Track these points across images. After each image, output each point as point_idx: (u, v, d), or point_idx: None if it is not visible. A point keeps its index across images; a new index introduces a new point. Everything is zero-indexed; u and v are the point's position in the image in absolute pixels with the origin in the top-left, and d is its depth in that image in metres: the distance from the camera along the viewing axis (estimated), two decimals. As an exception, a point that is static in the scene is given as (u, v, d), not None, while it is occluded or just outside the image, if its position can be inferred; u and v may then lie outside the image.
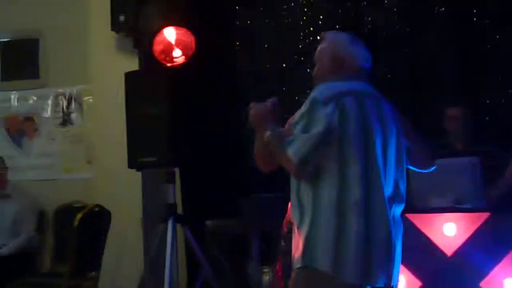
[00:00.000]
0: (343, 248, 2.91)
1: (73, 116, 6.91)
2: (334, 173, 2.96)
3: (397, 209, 3.08)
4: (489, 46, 5.38)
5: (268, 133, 3.06)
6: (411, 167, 3.30)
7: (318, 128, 2.93)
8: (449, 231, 4.22)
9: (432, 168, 3.33)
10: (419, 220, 4.28)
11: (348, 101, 2.99)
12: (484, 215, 4.16)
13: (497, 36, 5.34)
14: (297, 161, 2.94)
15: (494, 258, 4.09)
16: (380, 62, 5.61)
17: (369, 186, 2.96)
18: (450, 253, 4.21)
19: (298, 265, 2.99)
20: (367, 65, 3.20)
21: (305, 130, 2.96)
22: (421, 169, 3.33)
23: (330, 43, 3.22)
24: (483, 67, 5.43)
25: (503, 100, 5.38)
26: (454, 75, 5.51)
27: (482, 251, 4.13)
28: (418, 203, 4.45)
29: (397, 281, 3.06)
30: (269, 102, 3.15)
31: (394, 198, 3.06)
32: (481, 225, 4.14)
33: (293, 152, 2.94)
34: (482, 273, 4.11)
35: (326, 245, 2.92)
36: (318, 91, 3.02)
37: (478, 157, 4.33)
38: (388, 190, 3.02)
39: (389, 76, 5.53)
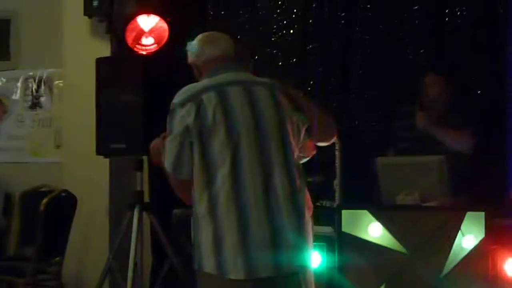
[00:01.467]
0: (220, 246, 2.95)
1: (43, 99, 6.87)
2: (201, 169, 3.00)
3: (293, 188, 3.05)
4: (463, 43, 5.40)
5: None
6: (316, 143, 3.32)
7: (176, 131, 3.03)
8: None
9: (333, 139, 3.36)
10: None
11: (205, 97, 3.03)
12: (449, 214, 4.20)
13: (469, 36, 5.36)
14: (170, 170, 3.06)
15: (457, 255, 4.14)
16: (355, 57, 5.63)
17: (238, 174, 2.97)
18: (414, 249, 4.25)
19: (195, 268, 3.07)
20: (230, 52, 3.24)
21: (169, 136, 3.07)
22: (322, 140, 3.34)
23: (189, 58, 3.33)
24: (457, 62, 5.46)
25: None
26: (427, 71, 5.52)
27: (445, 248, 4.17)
28: (385, 200, 4.50)
29: (297, 265, 3.03)
30: (162, 136, 3.22)
31: (285, 178, 3.03)
32: (446, 224, 4.18)
33: (166, 163, 3.07)
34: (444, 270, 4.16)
35: (205, 247, 2.98)
36: (176, 97, 3.11)
37: (445, 155, 4.36)
38: (272, 171, 3.01)
39: (360, 72, 5.55)
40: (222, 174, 2.98)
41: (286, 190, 3.01)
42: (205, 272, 3.00)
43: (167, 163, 3.06)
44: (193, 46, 3.30)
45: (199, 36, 3.33)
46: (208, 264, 2.99)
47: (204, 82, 3.16)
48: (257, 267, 2.95)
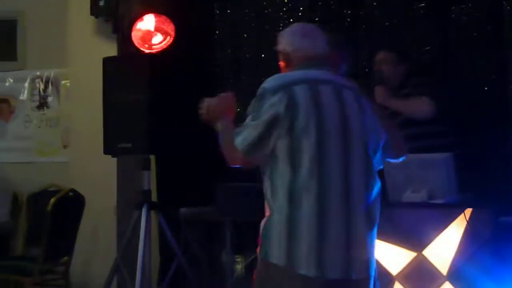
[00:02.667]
0: (295, 241, 2.90)
1: (50, 99, 6.89)
2: (285, 162, 2.95)
3: (369, 198, 3.03)
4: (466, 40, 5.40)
5: (219, 126, 3.08)
6: (387, 156, 3.28)
7: (264, 117, 2.94)
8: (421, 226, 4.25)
9: (403, 158, 3.30)
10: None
11: (298, 89, 2.97)
12: (456, 211, 4.20)
13: (475, 34, 5.36)
14: (242, 149, 2.97)
15: (464, 254, 4.14)
16: (360, 55, 5.63)
17: (322, 175, 2.93)
18: (422, 248, 4.25)
19: (260, 258, 3.02)
20: (324, 52, 3.17)
21: (253, 119, 2.97)
22: (393, 158, 3.30)
23: (280, 44, 3.23)
24: (460, 62, 5.46)
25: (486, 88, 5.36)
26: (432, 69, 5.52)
27: (452, 247, 4.18)
28: (392, 198, 4.49)
29: (366, 273, 3.00)
30: (222, 96, 3.16)
31: (363, 187, 3.00)
32: (453, 221, 4.18)
33: (240, 141, 2.97)
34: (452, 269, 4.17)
35: (279, 239, 2.93)
36: (267, 82, 3.03)
37: (452, 153, 4.36)
38: (353, 178, 2.97)
39: (367, 70, 5.55)
40: (307, 171, 2.93)
41: (363, 198, 2.99)
42: (271, 263, 2.95)
43: (242, 141, 2.97)
44: (289, 34, 3.22)
45: (298, 26, 3.28)
46: (279, 256, 2.93)
47: (294, 73, 3.10)
48: (329, 268, 2.91)
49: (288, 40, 3.19)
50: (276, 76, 3.08)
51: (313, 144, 2.93)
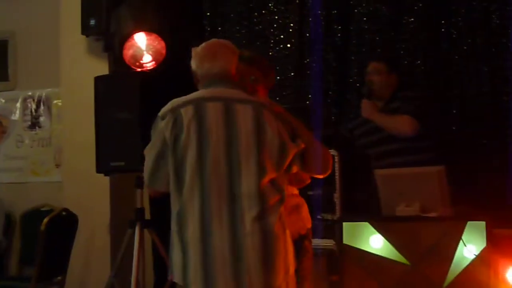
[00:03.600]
0: (186, 260, 3.02)
1: (42, 119, 6.89)
2: (173, 184, 3.07)
3: (262, 215, 3.03)
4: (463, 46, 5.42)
5: None
6: (310, 174, 3.37)
7: (156, 143, 3.10)
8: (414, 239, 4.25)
9: (326, 173, 3.31)
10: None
11: (183, 110, 3.08)
12: (449, 223, 4.20)
13: (465, 47, 5.38)
14: (147, 182, 3.18)
15: (459, 265, 4.14)
16: (352, 70, 5.65)
17: (203, 189, 3.00)
18: (416, 260, 4.25)
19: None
20: (224, 69, 3.23)
21: (149, 147, 3.15)
22: (315, 173, 3.34)
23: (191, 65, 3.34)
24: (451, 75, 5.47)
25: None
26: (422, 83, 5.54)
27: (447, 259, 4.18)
28: (385, 211, 4.49)
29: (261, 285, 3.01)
30: None
31: (251, 202, 3.01)
32: (447, 233, 4.19)
33: (144, 174, 3.18)
34: (447, 280, 4.16)
35: (177, 260, 3.07)
36: (162, 109, 3.16)
37: (444, 166, 4.37)
38: (238, 197, 3.01)
39: (358, 84, 5.57)
40: (189, 191, 3.03)
41: (251, 210, 3.01)
42: (175, 282, 3.10)
43: (145, 175, 3.17)
44: (194, 54, 3.31)
45: (204, 45, 3.33)
46: (178, 275, 3.06)
47: (190, 95, 3.19)
48: (215, 284, 2.99)
49: (193, 60, 3.31)
50: (170, 102, 3.18)
51: (195, 164, 3.01)
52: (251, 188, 3.02)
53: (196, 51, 3.30)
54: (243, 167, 3.02)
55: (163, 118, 3.12)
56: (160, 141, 3.09)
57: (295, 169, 3.20)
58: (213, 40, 3.40)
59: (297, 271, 3.27)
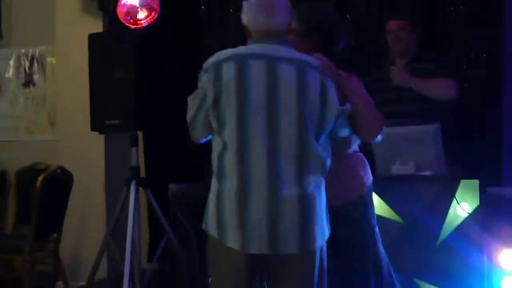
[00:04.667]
0: (222, 214, 3.01)
1: (36, 77, 6.86)
2: (215, 137, 3.07)
3: (301, 179, 3.00)
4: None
5: None
6: (358, 135, 3.32)
7: (198, 95, 3.08)
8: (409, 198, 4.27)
9: (376, 137, 3.28)
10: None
11: (225, 66, 3.00)
12: (444, 183, 4.22)
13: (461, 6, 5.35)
14: (189, 126, 3.18)
15: (452, 225, 4.17)
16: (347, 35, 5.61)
17: (243, 150, 2.97)
18: (410, 219, 4.28)
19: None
20: (279, 26, 3.10)
21: (192, 98, 3.13)
22: (365, 137, 3.32)
23: (242, 15, 3.21)
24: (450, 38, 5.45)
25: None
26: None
27: (440, 218, 4.20)
28: (380, 171, 4.50)
29: (298, 248, 2.99)
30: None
31: (292, 166, 2.97)
32: (441, 193, 4.21)
33: (187, 119, 3.16)
34: (440, 239, 4.19)
35: (212, 210, 3.05)
36: (206, 61, 3.10)
37: (439, 124, 4.37)
38: (278, 160, 2.96)
39: (353, 44, 5.54)
40: (231, 148, 2.99)
41: (290, 174, 2.97)
42: (209, 234, 3.08)
43: (188, 120, 3.17)
44: (247, 6, 3.16)
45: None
46: (212, 228, 3.05)
47: (236, 49, 3.08)
48: (251, 243, 2.97)
49: (245, 12, 3.17)
50: (215, 54, 3.11)
51: (236, 124, 2.97)
52: (290, 151, 2.97)
53: (250, 2, 3.14)
54: (282, 132, 2.96)
55: (206, 71, 3.06)
56: (201, 95, 3.06)
57: (342, 132, 3.16)
58: None
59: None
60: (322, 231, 3.07)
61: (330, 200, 3.21)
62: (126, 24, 5.36)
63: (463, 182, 4.18)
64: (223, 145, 3.01)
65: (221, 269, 3.09)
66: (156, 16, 5.33)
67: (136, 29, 5.34)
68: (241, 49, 3.08)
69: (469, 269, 4.10)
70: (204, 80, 3.05)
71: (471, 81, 5.21)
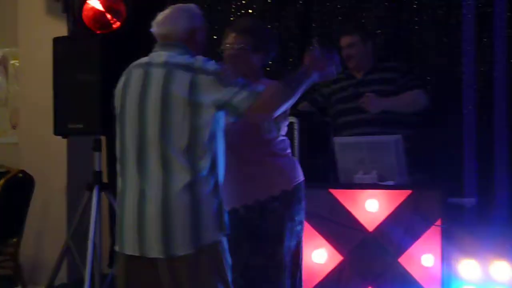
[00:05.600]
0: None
1: (-2, 79, 6.80)
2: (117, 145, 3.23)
3: (169, 177, 3.03)
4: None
5: None
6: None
7: None
8: (371, 207, 4.29)
9: (268, 113, 3.20)
10: (343, 196, 4.36)
11: (134, 72, 3.20)
12: (406, 193, 4.25)
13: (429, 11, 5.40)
14: None
15: (413, 235, 4.19)
16: (313, 37, 5.63)
17: (124, 153, 3.16)
18: (372, 228, 4.30)
19: None
20: (175, 32, 3.22)
21: None
22: (254, 117, 3.24)
23: None
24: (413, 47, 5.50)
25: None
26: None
27: (402, 227, 4.23)
28: (343, 179, 4.53)
29: (164, 253, 3.03)
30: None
31: (159, 167, 3.03)
32: (403, 202, 4.23)
33: None
34: (401, 249, 4.22)
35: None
36: None
37: (400, 135, 4.42)
38: (147, 161, 3.06)
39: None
40: (118, 157, 3.22)
41: (158, 174, 3.03)
42: None
43: None
44: (157, 17, 3.30)
45: (167, 9, 3.30)
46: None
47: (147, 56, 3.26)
48: (126, 244, 3.13)
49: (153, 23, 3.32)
50: None
51: (120, 132, 3.20)
52: (159, 152, 3.05)
53: (163, 12, 3.30)
54: (150, 136, 3.06)
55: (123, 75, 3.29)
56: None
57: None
58: (175, 5, 3.34)
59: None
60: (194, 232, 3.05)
61: (254, 193, 3.50)
62: (91, 28, 5.35)
63: (424, 192, 4.22)
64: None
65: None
66: (122, 20, 5.33)
67: (101, 33, 5.33)
68: (137, 61, 3.28)
69: (428, 277, 4.13)
70: (119, 82, 3.32)
71: (434, 91, 5.26)
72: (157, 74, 3.08)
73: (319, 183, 4.47)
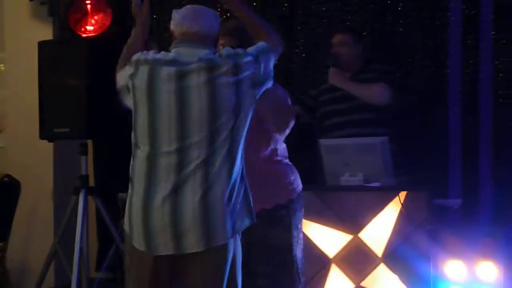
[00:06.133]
0: (131, 212, 3.06)
1: (-16, 83, 6.77)
2: (133, 134, 3.14)
3: (212, 172, 3.00)
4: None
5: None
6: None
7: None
8: (358, 209, 4.31)
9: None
10: (330, 198, 4.38)
11: (141, 70, 3.09)
12: (392, 194, 4.27)
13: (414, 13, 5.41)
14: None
15: (400, 236, 4.21)
16: (298, 40, 5.66)
17: (151, 152, 3.03)
18: (358, 231, 4.32)
19: None
20: (202, 30, 3.16)
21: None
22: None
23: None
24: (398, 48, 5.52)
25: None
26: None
27: (388, 229, 4.25)
28: (329, 182, 4.55)
29: (204, 244, 2.99)
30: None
31: (203, 160, 2.98)
32: (389, 204, 4.26)
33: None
34: (388, 251, 4.24)
35: (127, 210, 3.10)
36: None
37: (387, 137, 4.44)
38: (187, 167, 2.99)
39: (304, 55, 5.60)
40: (142, 153, 3.06)
41: (198, 179, 2.98)
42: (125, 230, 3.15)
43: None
44: (177, 14, 3.22)
45: (188, 7, 3.25)
46: (126, 224, 3.12)
47: (156, 54, 3.15)
48: (155, 245, 3.01)
49: (173, 19, 3.23)
50: (141, 52, 3.22)
51: (146, 129, 3.05)
52: (201, 157, 2.99)
53: (178, 11, 3.22)
54: (194, 141, 2.99)
55: (130, 65, 3.16)
56: (124, 78, 3.19)
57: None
58: (196, 6, 3.29)
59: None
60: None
61: (260, 202, 3.38)
62: (77, 32, 5.34)
63: (410, 194, 4.24)
64: (134, 147, 3.14)
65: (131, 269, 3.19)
66: (108, 23, 5.33)
67: (87, 36, 5.33)
68: (160, 55, 3.16)
69: (416, 278, 4.15)
70: (126, 70, 3.20)
71: (420, 93, 5.28)
72: (194, 79, 3.01)
73: (306, 186, 4.47)
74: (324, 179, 4.61)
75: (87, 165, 5.27)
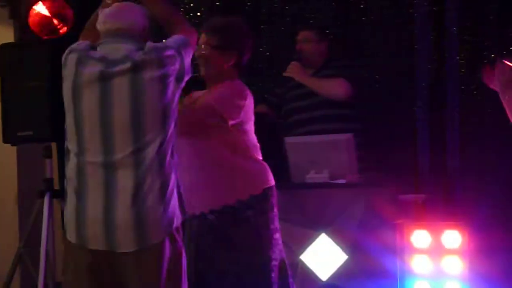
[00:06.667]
0: (66, 209, 3.10)
1: None
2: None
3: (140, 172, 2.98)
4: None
5: None
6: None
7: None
8: (324, 206, 4.32)
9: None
10: (295, 196, 4.39)
11: (70, 57, 3.19)
12: (358, 191, 4.29)
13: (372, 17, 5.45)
14: None
15: (367, 232, 4.24)
16: (261, 40, 5.66)
17: (79, 152, 3.05)
18: (325, 227, 4.33)
19: None
20: (127, 26, 3.14)
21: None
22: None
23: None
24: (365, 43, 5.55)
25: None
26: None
27: (355, 225, 4.27)
28: (295, 179, 4.56)
29: (137, 245, 2.97)
30: None
31: (133, 161, 2.98)
32: (355, 200, 4.28)
33: None
34: (355, 247, 4.26)
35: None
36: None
37: (351, 134, 4.46)
38: (113, 154, 2.99)
39: (267, 53, 5.61)
40: (72, 149, 3.09)
41: (129, 178, 2.97)
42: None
43: None
44: (101, 13, 3.22)
45: (114, 5, 3.24)
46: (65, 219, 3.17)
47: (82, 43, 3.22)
48: (88, 239, 3.02)
49: (99, 19, 3.24)
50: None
51: (73, 125, 3.11)
52: (128, 155, 3.00)
53: (104, 10, 3.22)
54: (118, 139, 3.00)
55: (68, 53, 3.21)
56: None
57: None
58: (123, 2, 3.29)
59: None
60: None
61: (220, 198, 3.42)
62: (39, 34, 5.30)
63: (376, 190, 4.26)
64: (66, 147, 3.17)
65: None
66: (70, 25, 5.29)
67: (49, 38, 5.29)
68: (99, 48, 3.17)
69: (383, 273, 4.18)
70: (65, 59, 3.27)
71: (386, 89, 5.32)
72: (118, 80, 3.01)
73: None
74: (289, 177, 4.61)
75: (52, 168, 5.22)
